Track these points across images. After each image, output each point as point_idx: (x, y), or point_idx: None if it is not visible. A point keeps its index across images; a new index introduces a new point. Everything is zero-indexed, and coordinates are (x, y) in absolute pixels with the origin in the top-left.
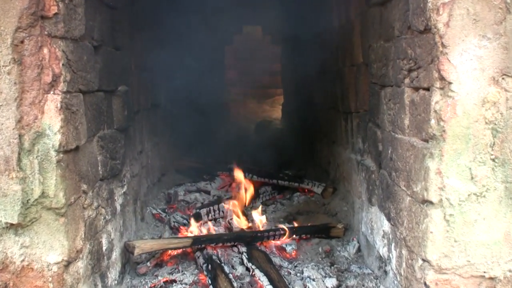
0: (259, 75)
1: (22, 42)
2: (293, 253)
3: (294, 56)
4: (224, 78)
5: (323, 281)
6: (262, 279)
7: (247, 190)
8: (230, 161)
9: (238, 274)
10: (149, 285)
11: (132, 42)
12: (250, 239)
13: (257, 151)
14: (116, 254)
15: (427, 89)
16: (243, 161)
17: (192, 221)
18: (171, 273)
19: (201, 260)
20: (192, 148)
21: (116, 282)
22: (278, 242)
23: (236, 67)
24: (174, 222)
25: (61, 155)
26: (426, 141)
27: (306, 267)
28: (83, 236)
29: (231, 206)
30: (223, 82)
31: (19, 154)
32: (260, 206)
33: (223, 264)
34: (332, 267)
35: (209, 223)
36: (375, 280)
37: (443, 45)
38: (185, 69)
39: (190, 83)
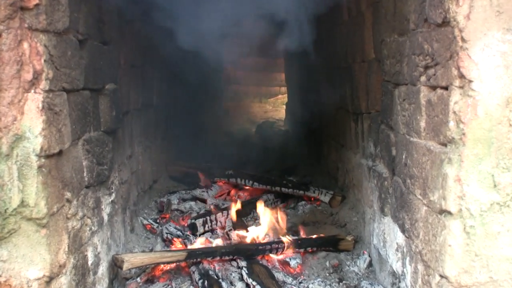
0: (261, 71)
1: None
2: (297, 268)
3: (299, 51)
4: (222, 75)
5: None
6: None
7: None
8: (228, 167)
9: None
10: None
11: (121, 36)
12: (251, 253)
13: (258, 155)
14: (103, 269)
15: (445, 88)
16: (242, 166)
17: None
18: None
19: (196, 276)
20: (187, 152)
21: None
22: (281, 256)
23: (235, 62)
24: (167, 233)
25: (43, 160)
26: (444, 145)
27: (312, 283)
28: (66, 249)
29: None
30: (221, 79)
31: None
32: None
33: (220, 280)
34: (340, 284)
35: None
36: None
37: (463, 40)
38: (180, 64)
39: (185, 80)
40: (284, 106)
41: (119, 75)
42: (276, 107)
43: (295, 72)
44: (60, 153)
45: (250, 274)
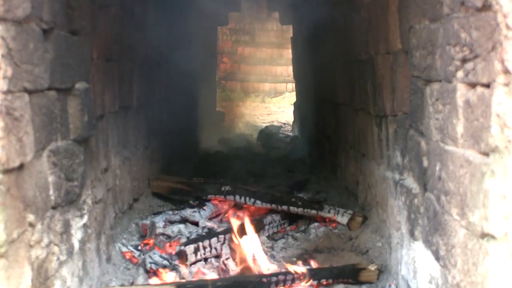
0: (263, 65)
1: None
2: None
3: (310, 40)
4: (217, 69)
5: None
6: None
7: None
8: (224, 181)
9: None
10: None
11: (94, 24)
12: (252, 286)
13: (261, 167)
14: None
15: (487, 86)
16: (242, 181)
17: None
18: None
19: None
20: (175, 164)
21: None
22: None
23: (232, 54)
24: (150, 263)
25: (0, 176)
26: (486, 154)
27: None
28: (29, 283)
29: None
30: (215, 75)
31: None
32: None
33: None
34: None
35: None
36: None
37: (508, 27)
38: (165, 57)
39: (172, 76)
40: (292, 107)
41: (91, 72)
42: (282, 108)
43: (306, 65)
44: (21, 167)
45: None
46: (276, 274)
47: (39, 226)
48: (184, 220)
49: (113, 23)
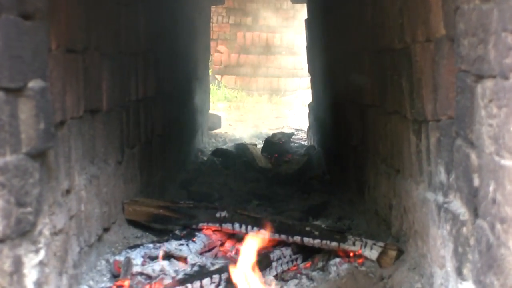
0: (269, 55)
1: None
2: None
3: (329, 23)
4: (211, 61)
5: None
6: None
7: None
8: (220, 206)
9: None
10: None
11: (53, 5)
12: None
13: (267, 187)
14: None
15: None
16: (243, 204)
17: None
18: None
19: None
20: (156, 183)
21: None
22: None
23: (230, 41)
24: None
25: None
26: None
27: None
28: None
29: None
30: (208, 68)
31: None
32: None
33: None
34: None
35: None
36: None
37: None
38: (143, 47)
39: (153, 70)
40: (307, 109)
41: (49, 66)
42: (293, 110)
43: (324, 55)
44: None
45: None
46: None
47: None
48: (168, 256)
49: (77, 4)
